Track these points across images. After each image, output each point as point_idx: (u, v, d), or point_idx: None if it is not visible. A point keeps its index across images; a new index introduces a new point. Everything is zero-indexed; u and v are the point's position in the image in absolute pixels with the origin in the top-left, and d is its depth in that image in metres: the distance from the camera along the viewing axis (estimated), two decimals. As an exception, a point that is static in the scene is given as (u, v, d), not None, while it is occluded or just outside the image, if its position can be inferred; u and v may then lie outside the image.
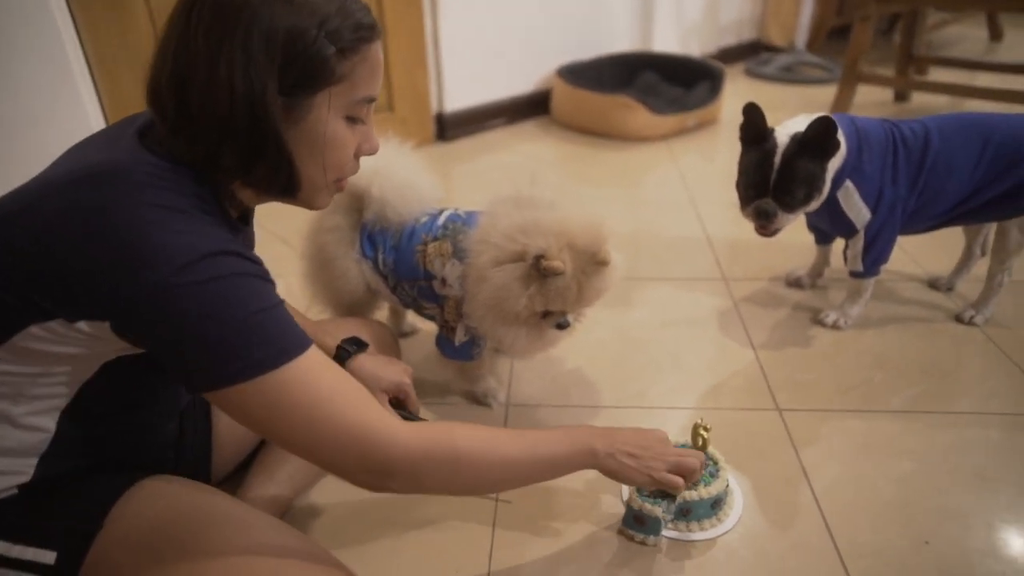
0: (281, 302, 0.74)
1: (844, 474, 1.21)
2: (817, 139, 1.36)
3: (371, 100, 0.80)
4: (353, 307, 1.38)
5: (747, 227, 2.11)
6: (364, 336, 1.27)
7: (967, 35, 4.45)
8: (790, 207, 1.41)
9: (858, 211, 1.45)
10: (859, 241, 1.49)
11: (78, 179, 0.70)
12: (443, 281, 1.22)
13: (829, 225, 1.55)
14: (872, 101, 3.17)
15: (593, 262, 1.09)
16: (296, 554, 0.83)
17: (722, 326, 1.63)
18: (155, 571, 0.78)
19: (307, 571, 0.81)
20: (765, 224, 1.45)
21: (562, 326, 1.16)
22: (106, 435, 0.85)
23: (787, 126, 1.45)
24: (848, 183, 1.42)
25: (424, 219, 1.29)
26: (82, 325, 0.70)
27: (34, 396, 0.76)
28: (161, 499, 0.85)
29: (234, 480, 1.13)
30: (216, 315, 0.68)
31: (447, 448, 0.81)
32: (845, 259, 1.56)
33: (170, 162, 0.73)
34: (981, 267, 1.63)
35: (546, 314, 1.14)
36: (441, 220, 1.28)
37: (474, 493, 0.90)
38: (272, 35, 0.70)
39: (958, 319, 1.62)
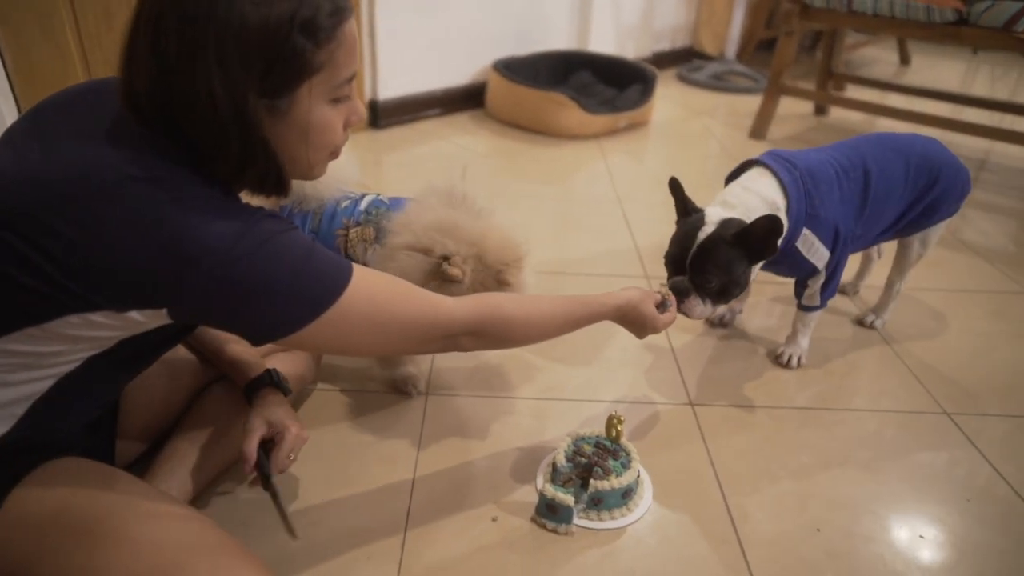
0: (315, 239, 0.83)
1: (748, 466, 1.26)
2: (757, 237, 1.26)
3: (352, 78, 0.79)
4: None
5: (670, 227, 2.18)
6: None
7: (880, 57, 4.70)
8: (704, 292, 1.30)
9: (819, 254, 1.40)
10: (819, 279, 1.45)
11: (112, 180, 0.70)
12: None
13: (790, 271, 1.49)
14: (794, 113, 3.31)
15: (494, 278, 1.10)
16: (202, 543, 0.81)
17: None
18: (53, 558, 0.75)
19: (213, 560, 0.79)
20: (680, 301, 1.30)
21: None
22: (44, 417, 0.82)
23: (726, 206, 1.35)
24: (806, 231, 1.37)
25: (345, 203, 1.28)
26: (134, 314, 0.73)
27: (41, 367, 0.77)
28: (65, 483, 0.82)
29: (143, 463, 1.09)
30: (277, 272, 0.74)
31: (497, 313, 0.96)
32: (799, 296, 1.52)
33: (177, 163, 0.74)
34: (878, 274, 1.73)
35: None
36: (364, 205, 1.27)
37: (526, 344, 1.04)
38: (245, 40, 0.69)
39: (859, 323, 1.71)
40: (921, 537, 1.14)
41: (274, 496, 1.02)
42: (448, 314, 0.90)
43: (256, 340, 0.79)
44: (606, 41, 3.56)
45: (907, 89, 3.22)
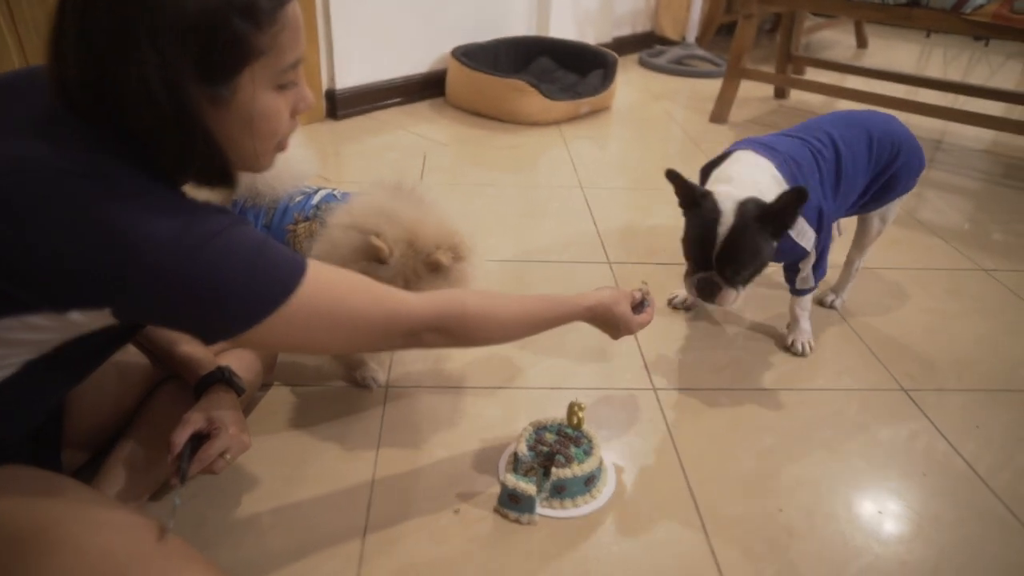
0: (267, 235, 0.79)
1: (711, 449, 1.27)
2: (783, 213, 1.22)
3: (298, 63, 0.76)
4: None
5: (632, 212, 2.19)
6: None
7: (838, 40, 4.75)
8: (734, 283, 1.28)
9: (807, 236, 1.38)
10: (810, 260, 1.44)
11: (48, 177, 0.66)
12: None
13: (781, 257, 1.45)
14: (754, 96, 3.33)
15: (425, 262, 1.07)
16: (152, 548, 0.78)
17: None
18: None
19: (163, 565, 0.77)
20: (708, 300, 1.31)
21: None
22: None
23: (732, 183, 1.30)
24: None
25: (299, 197, 1.25)
26: (75, 315, 0.70)
27: None
28: (6, 492, 0.79)
29: (92, 467, 1.06)
30: (226, 267, 0.71)
31: (459, 310, 0.93)
32: (791, 281, 1.51)
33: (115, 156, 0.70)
34: (837, 253, 1.74)
35: None
36: (315, 199, 1.24)
37: (490, 344, 1.03)
38: (181, 24, 0.65)
39: (820, 303, 1.73)
40: (880, 512, 1.16)
41: (178, 494, 0.96)
42: (409, 309, 0.88)
43: (208, 339, 0.75)
44: (566, 27, 3.53)
45: (865, 71, 3.26)
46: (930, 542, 1.11)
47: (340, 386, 1.36)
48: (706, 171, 1.46)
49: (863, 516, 1.15)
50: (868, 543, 1.10)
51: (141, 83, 0.66)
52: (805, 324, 1.55)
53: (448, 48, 3.00)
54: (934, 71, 4.23)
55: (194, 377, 1.09)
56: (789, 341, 1.54)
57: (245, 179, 1.22)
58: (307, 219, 1.22)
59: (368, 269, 1.06)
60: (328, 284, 0.80)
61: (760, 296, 1.75)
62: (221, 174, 0.78)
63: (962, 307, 1.77)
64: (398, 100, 2.98)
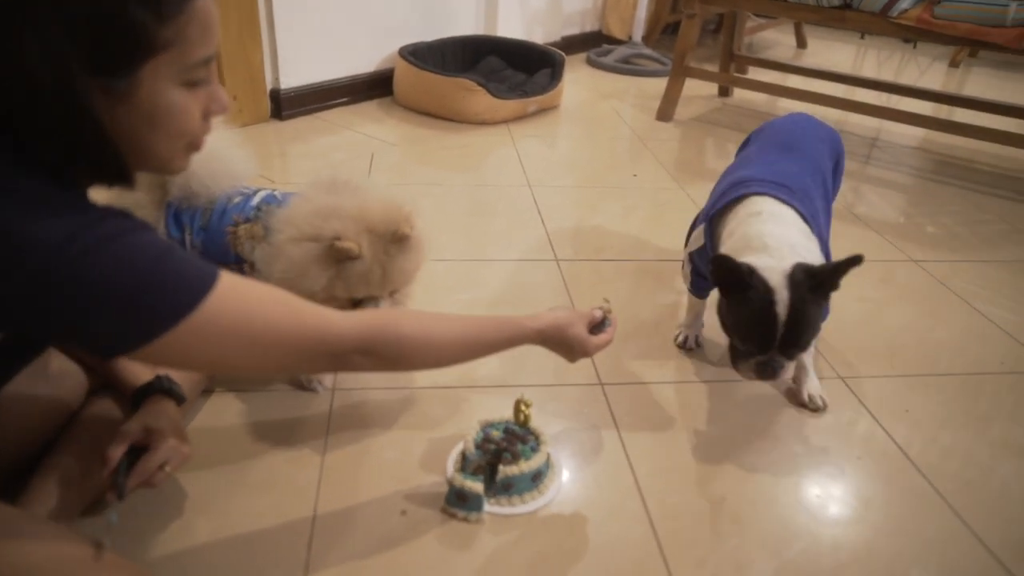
0: (173, 243, 0.73)
1: (658, 442, 1.29)
2: (833, 277, 1.17)
3: (209, 60, 0.72)
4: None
5: (580, 210, 2.22)
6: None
7: (779, 41, 4.87)
8: (794, 357, 1.20)
9: None
10: None
11: None
12: (252, 265, 1.16)
13: None
14: (699, 95, 3.39)
15: (393, 240, 1.07)
16: (79, 567, 0.76)
17: (552, 305, 1.68)
18: None
19: None
20: (768, 379, 1.22)
21: None
22: None
23: (770, 251, 1.18)
24: None
25: (237, 199, 1.22)
26: None
27: None
28: None
29: (21, 482, 1.02)
30: (123, 274, 0.66)
31: (392, 331, 0.87)
32: None
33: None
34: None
35: (358, 303, 1.12)
36: (255, 201, 1.22)
37: (427, 368, 0.97)
38: (70, 8, 0.61)
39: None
40: (818, 496, 1.20)
41: (114, 510, 0.95)
42: (336, 329, 0.82)
43: (104, 352, 0.70)
44: (514, 26, 3.54)
45: (804, 71, 3.34)
46: (865, 522, 1.15)
47: (285, 390, 1.34)
48: (713, 221, 1.35)
49: (803, 501, 1.18)
50: (807, 526, 1.13)
51: (22, 69, 0.62)
52: (812, 371, 1.43)
53: (395, 47, 2.98)
54: (869, 71, 4.38)
55: (130, 387, 1.06)
56: (805, 396, 1.39)
57: (179, 179, 1.19)
58: (247, 220, 1.20)
59: (342, 272, 1.06)
60: (243, 297, 0.75)
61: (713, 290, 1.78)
62: (117, 173, 0.72)
63: (893, 295, 1.84)
64: (345, 100, 2.95)
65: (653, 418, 1.35)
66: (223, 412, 1.28)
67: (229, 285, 0.74)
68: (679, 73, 2.96)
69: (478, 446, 1.16)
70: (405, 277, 1.13)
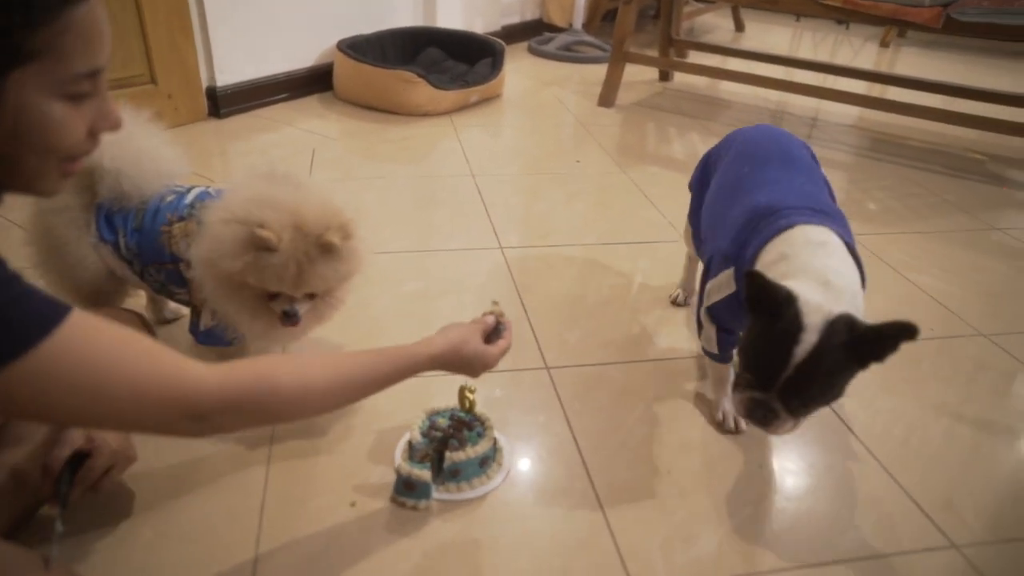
0: (13, 277, 0.64)
1: (603, 422, 1.31)
2: (882, 345, 0.95)
3: (92, 74, 0.66)
4: (98, 297, 1.25)
5: (523, 197, 2.23)
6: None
7: (718, 25, 4.96)
8: (796, 414, 1.01)
9: None
10: None
11: None
12: (188, 264, 1.14)
13: None
14: (640, 80, 3.43)
15: (316, 244, 1.05)
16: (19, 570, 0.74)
17: (497, 293, 1.69)
18: None
19: None
20: (758, 424, 1.04)
21: (289, 315, 1.10)
22: None
23: (830, 288, 1.00)
24: None
25: (170, 197, 1.20)
26: None
27: None
28: None
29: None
30: None
31: (265, 383, 0.78)
32: None
33: None
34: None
35: (273, 298, 1.10)
36: (189, 198, 1.19)
37: (314, 416, 0.90)
38: None
39: (673, 302, 1.73)
40: (760, 466, 1.23)
41: (59, 519, 0.92)
42: (196, 383, 0.71)
43: None
44: (453, 17, 3.53)
45: (744, 54, 3.41)
46: (806, 488, 1.19)
47: (228, 390, 1.32)
48: (749, 247, 1.13)
49: (745, 470, 1.22)
50: (751, 494, 1.17)
51: None
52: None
53: (333, 41, 2.94)
54: (805, 52, 4.48)
55: None
56: (719, 415, 1.32)
57: (109, 180, 1.16)
58: (182, 219, 1.17)
59: (258, 261, 1.03)
60: (93, 340, 0.66)
61: (657, 270, 1.82)
62: None
63: (831, 270, 1.89)
64: (284, 96, 2.90)
65: (599, 399, 1.37)
66: (249, 359, 1.25)
67: (80, 326, 0.65)
68: (619, 59, 2.99)
69: (424, 434, 1.17)
70: (324, 283, 1.09)
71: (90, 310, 1.21)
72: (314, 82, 2.98)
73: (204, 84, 2.64)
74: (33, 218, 1.20)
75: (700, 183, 1.48)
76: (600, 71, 3.33)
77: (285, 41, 2.84)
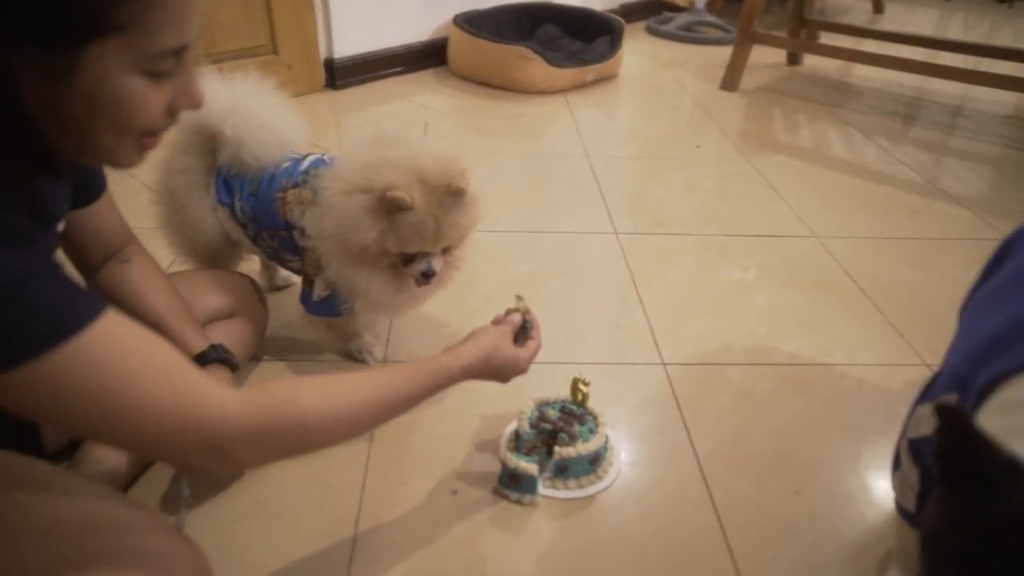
0: (53, 269, 0.60)
1: (723, 427, 1.20)
2: None
3: (178, 52, 0.62)
4: (214, 259, 1.26)
5: (639, 181, 2.12)
6: (226, 289, 1.17)
7: (853, 6, 4.60)
8: None
9: None
10: None
11: None
12: (302, 231, 1.12)
13: None
14: (766, 63, 3.22)
15: (448, 193, 1.01)
16: (108, 518, 0.73)
17: (611, 279, 1.60)
18: None
19: (121, 534, 0.71)
20: None
21: (427, 273, 1.07)
22: None
23: None
24: None
25: (286, 164, 1.18)
26: None
27: None
28: None
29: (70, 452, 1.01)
30: None
31: (292, 415, 0.71)
32: None
33: None
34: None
35: (408, 261, 1.06)
36: (304, 165, 1.17)
37: (325, 447, 0.80)
38: None
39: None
40: (902, 493, 1.09)
41: (185, 483, 0.94)
42: (220, 411, 0.65)
43: None
44: (572, -7, 3.42)
45: (882, 35, 3.13)
46: (956, 524, 1.05)
47: (334, 360, 1.30)
48: (987, 371, 0.67)
49: (885, 498, 1.08)
50: (890, 526, 1.04)
51: None
52: None
53: (449, 15, 2.91)
54: (955, 34, 4.09)
55: (185, 354, 1.03)
56: None
57: (229, 148, 1.15)
58: (296, 185, 1.15)
59: (394, 225, 1.00)
60: (114, 354, 0.60)
61: (778, 271, 1.68)
62: (37, 160, 0.62)
63: (986, 278, 1.69)
64: (399, 69, 2.89)
65: (719, 402, 1.26)
66: (270, 381, 1.24)
67: (104, 336, 0.60)
68: (745, 40, 2.81)
69: (532, 425, 1.10)
70: (459, 233, 1.07)
71: (206, 270, 1.24)
72: (429, 56, 2.96)
73: (322, 56, 2.67)
74: (160, 180, 1.21)
75: (990, 268, 1.06)
76: (722, 53, 3.16)
77: (402, 15, 2.83)
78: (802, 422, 1.22)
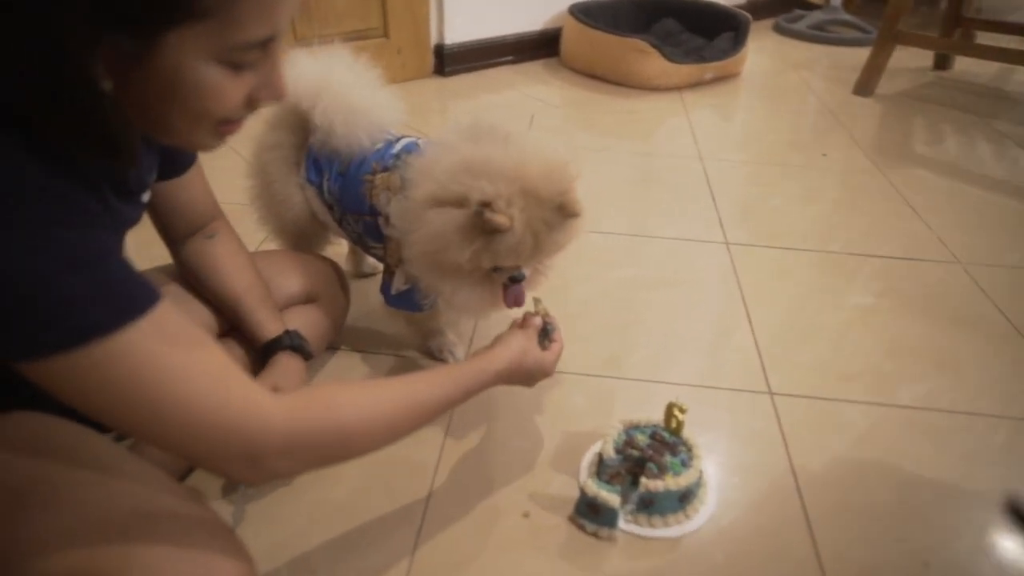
0: (112, 252, 0.58)
1: (837, 474, 1.05)
2: None
3: (264, 44, 0.57)
4: (300, 238, 1.22)
5: (755, 188, 1.95)
6: (307, 273, 1.13)
7: (1022, 5, 4.14)
8: None
9: None
10: None
11: None
12: (387, 219, 1.05)
13: None
14: (907, 67, 2.93)
15: (560, 214, 0.89)
16: (158, 510, 0.68)
17: (718, 294, 1.46)
18: None
19: (169, 530, 0.67)
20: None
21: (515, 279, 0.97)
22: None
23: None
24: None
25: (379, 144, 1.11)
26: None
27: None
28: (20, 438, 0.70)
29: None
30: (8, 271, 0.51)
31: (333, 423, 0.68)
32: None
33: None
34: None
35: (496, 268, 0.96)
36: (396, 148, 1.10)
37: (362, 455, 0.75)
38: None
39: None
40: (1057, 579, 0.91)
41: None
42: (264, 422, 0.62)
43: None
44: (697, -14, 3.24)
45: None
46: None
47: (413, 357, 1.24)
48: None
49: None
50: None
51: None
52: None
53: (565, 5, 2.81)
54: None
55: (259, 338, 1.00)
56: None
57: (317, 133, 1.10)
58: (386, 169, 1.08)
59: (489, 246, 0.89)
60: (162, 348, 0.57)
61: (916, 298, 1.48)
62: (103, 142, 0.57)
63: None
64: (510, 59, 2.82)
65: (833, 444, 1.11)
66: (347, 372, 1.20)
67: (155, 328, 0.56)
68: (888, 39, 2.55)
69: (619, 450, 0.99)
70: (557, 248, 0.96)
71: (290, 251, 1.21)
72: (541, 46, 2.88)
73: (433, 41, 2.63)
74: (254, 154, 1.18)
75: None
76: (857, 55, 2.90)
77: (516, 3, 2.75)
78: (934, 479, 1.05)
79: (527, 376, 0.95)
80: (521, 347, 0.93)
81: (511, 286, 0.98)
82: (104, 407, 0.58)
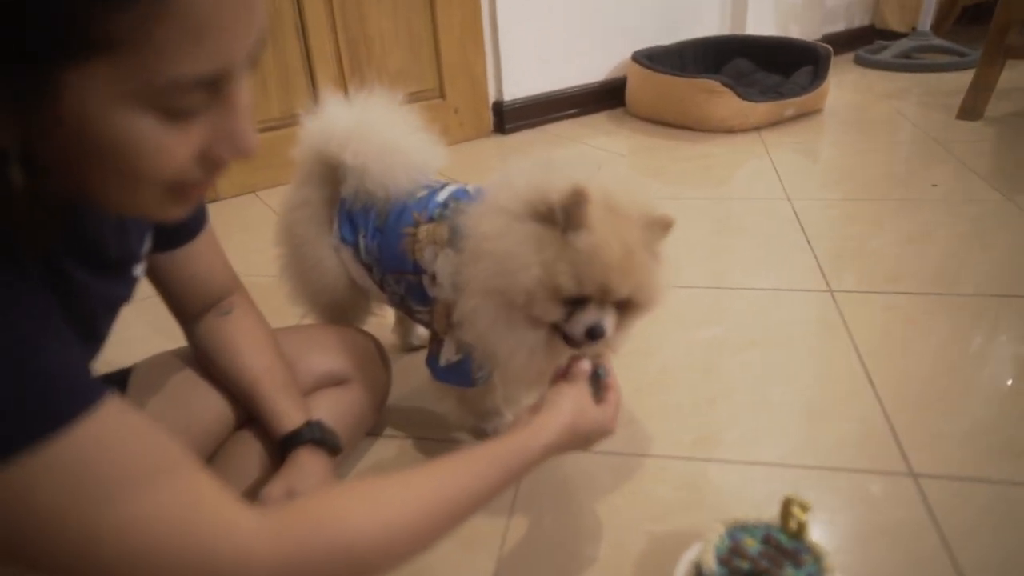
0: (51, 343, 0.45)
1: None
2: None
3: (209, 84, 0.44)
4: (335, 309, 1.08)
5: (857, 228, 1.71)
6: (342, 349, 0.98)
7: None
8: None
9: None
10: None
11: None
12: (433, 277, 0.89)
13: None
14: (1018, 86, 2.63)
15: (647, 224, 0.77)
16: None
17: (827, 351, 1.23)
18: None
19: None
20: None
21: (593, 332, 0.78)
22: None
23: None
24: None
25: (421, 193, 0.97)
26: None
27: None
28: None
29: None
30: None
31: (336, 542, 0.54)
32: None
33: None
34: None
35: (571, 309, 0.78)
36: (442, 196, 0.95)
37: (386, 573, 0.58)
38: None
39: None
40: None
41: None
42: (242, 549, 0.50)
43: None
44: (766, 25, 3.07)
45: None
46: None
47: (465, 440, 1.06)
48: None
49: None
50: None
51: None
52: None
53: (627, 54, 2.69)
54: None
55: (278, 429, 0.85)
56: None
57: (350, 178, 0.97)
58: (431, 220, 0.93)
59: (566, 251, 0.75)
60: (109, 455, 0.46)
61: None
62: (29, 212, 0.46)
63: None
64: (572, 111, 2.71)
65: (1002, 538, 0.85)
66: (388, 461, 1.03)
67: (100, 431, 0.45)
68: (996, 55, 2.29)
69: (722, 560, 0.77)
70: (647, 280, 0.79)
71: (321, 325, 1.06)
72: (604, 97, 2.75)
73: (491, 99, 2.55)
74: (281, 216, 1.06)
75: None
76: (953, 81, 2.66)
77: (578, 53, 2.65)
78: None
79: (585, 440, 0.78)
80: (572, 410, 0.76)
81: (583, 340, 0.79)
82: (38, 534, 0.44)
